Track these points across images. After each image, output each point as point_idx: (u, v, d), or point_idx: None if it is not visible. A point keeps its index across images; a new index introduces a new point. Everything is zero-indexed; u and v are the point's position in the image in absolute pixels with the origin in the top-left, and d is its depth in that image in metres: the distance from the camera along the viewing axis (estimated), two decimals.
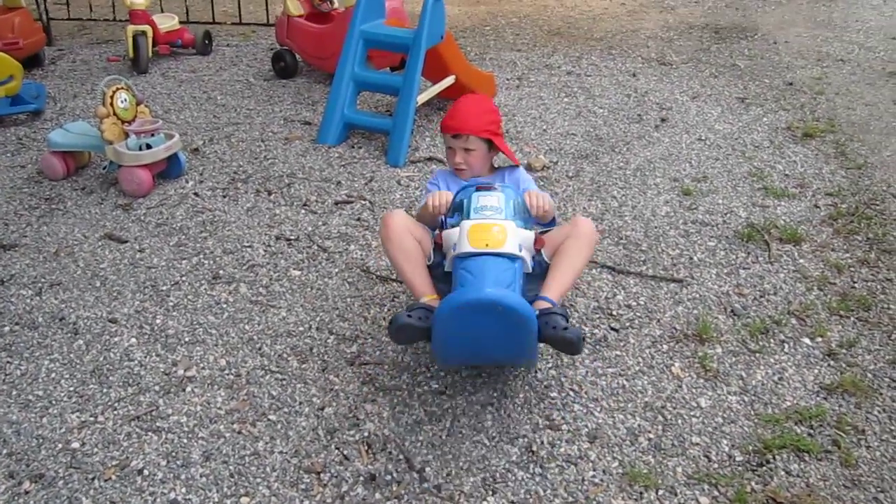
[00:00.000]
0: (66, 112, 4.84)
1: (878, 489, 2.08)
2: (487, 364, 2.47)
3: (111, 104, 3.65)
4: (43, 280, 3.08)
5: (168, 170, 3.89)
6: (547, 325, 2.14)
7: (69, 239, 3.37)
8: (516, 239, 2.19)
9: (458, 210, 2.35)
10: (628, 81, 5.35)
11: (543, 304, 2.24)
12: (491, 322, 2.00)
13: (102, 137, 3.65)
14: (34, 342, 2.72)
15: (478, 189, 2.36)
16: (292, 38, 5.31)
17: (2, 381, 2.54)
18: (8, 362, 2.62)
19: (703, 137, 4.37)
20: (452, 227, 2.30)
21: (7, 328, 2.80)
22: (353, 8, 4.63)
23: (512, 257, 2.18)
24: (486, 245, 2.15)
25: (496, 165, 2.79)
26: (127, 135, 3.72)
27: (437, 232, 2.42)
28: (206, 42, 6.06)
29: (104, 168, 3.86)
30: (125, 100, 3.73)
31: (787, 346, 2.64)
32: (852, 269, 3.08)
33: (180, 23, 6.06)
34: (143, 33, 5.51)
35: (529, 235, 2.28)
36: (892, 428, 2.29)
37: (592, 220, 2.49)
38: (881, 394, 2.42)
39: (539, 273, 2.34)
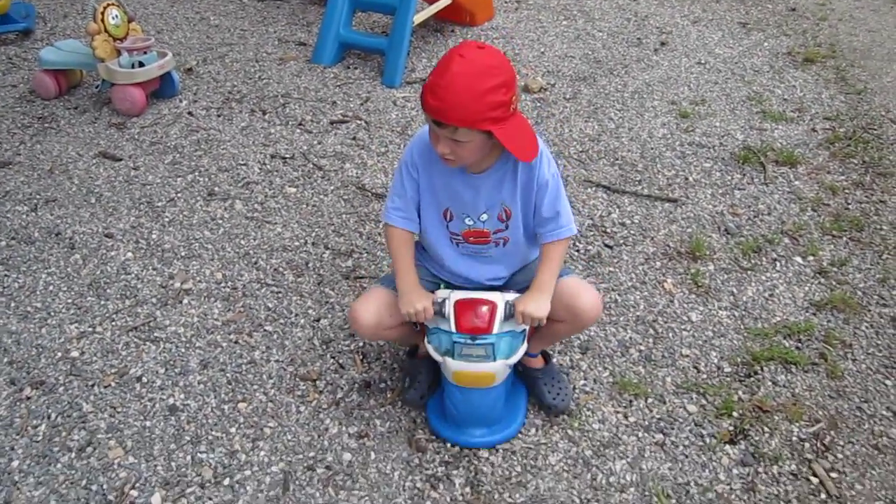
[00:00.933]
0: (57, 32, 4.74)
1: (862, 399, 2.13)
2: None
3: (102, 21, 3.58)
4: (38, 196, 3.07)
5: (161, 89, 3.84)
6: (535, 384, 2.11)
7: (63, 157, 3.35)
8: (506, 372, 1.91)
9: (440, 315, 1.89)
10: (629, 5, 5.24)
11: (532, 363, 2.13)
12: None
13: (94, 55, 3.59)
14: (31, 256, 2.73)
15: (460, 307, 1.87)
16: None
17: (0, 293, 2.56)
18: (5, 275, 2.64)
19: (702, 61, 4.31)
20: (434, 348, 1.91)
21: (3, 243, 2.80)
22: None
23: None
24: (474, 385, 1.89)
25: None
26: (119, 52, 3.65)
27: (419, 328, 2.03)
28: None
29: (97, 87, 3.80)
30: (116, 16, 3.65)
31: (778, 264, 2.67)
32: (847, 190, 3.09)
33: None
34: None
35: (520, 353, 1.91)
36: (879, 343, 2.33)
37: (592, 288, 2.02)
38: (869, 310, 2.46)
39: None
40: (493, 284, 2.01)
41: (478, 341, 1.83)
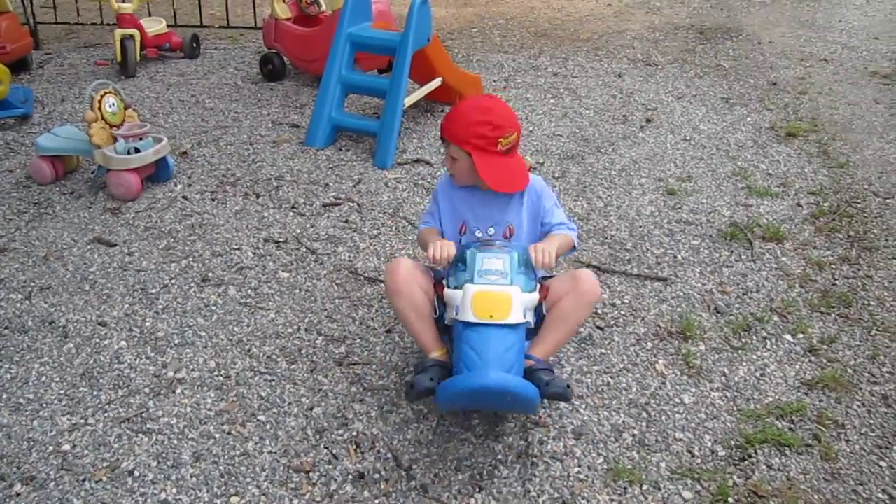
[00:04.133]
0: (55, 116, 4.85)
1: (857, 482, 2.12)
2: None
3: (99, 108, 3.67)
4: (32, 284, 3.09)
5: (157, 173, 3.91)
6: (531, 377, 2.12)
7: (58, 243, 3.38)
8: (521, 305, 2.08)
9: (462, 262, 2.19)
10: (614, 82, 5.39)
11: (528, 363, 2.19)
12: (494, 398, 2.00)
13: (91, 142, 3.67)
14: (24, 346, 2.74)
15: (482, 247, 2.20)
16: (280, 41, 5.33)
17: None
18: None
19: (687, 137, 4.42)
20: (455, 287, 2.15)
21: None
22: (340, 11, 4.67)
23: (516, 326, 2.09)
24: (491, 316, 2.04)
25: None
26: (115, 139, 3.73)
27: (439, 284, 2.30)
28: (194, 45, 6.06)
29: (93, 172, 3.87)
30: (113, 104, 3.75)
31: (769, 342, 2.69)
32: (833, 266, 3.13)
33: (168, 26, 6.06)
34: (131, 37, 5.51)
35: (534, 298, 2.14)
36: (871, 422, 2.33)
37: (593, 274, 2.28)
38: (861, 388, 2.47)
39: (538, 323, 2.25)
40: None
41: (497, 252, 2.15)
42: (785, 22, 6.99)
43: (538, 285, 2.19)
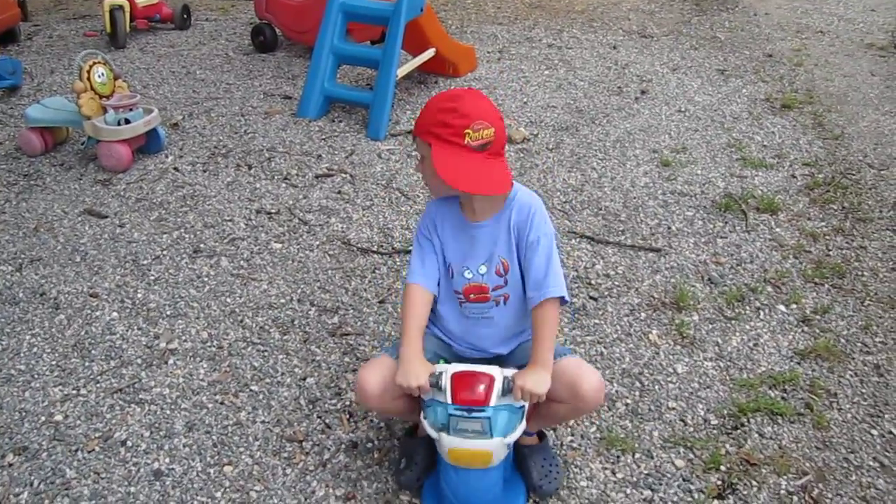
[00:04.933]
0: (44, 88, 4.79)
1: (849, 450, 2.13)
2: None
3: (88, 79, 3.62)
4: (23, 256, 3.06)
5: (147, 145, 3.87)
6: (524, 461, 2.01)
7: (48, 214, 3.35)
8: (503, 451, 1.83)
9: (437, 387, 1.82)
10: (609, 54, 5.35)
11: (528, 440, 2.04)
12: None
13: (80, 112, 3.62)
14: (15, 317, 2.72)
15: (456, 405, 1.79)
16: (272, 11, 5.26)
17: None
18: None
19: (682, 109, 4.39)
20: (431, 426, 1.83)
21: None
22: None
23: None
24: (469, 465, 1.82)
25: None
26: (105, 110, 3.69)
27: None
28: (185, 16, 5.99)
29: (82, 143, 3.83)
30: (102, 74, 3.70)
31: (762, 312, 2.69)
32: (827, 237, 3.13)
33: None
34: (121, 7, 5.44)
35: (518, 432, 1.82)
36: (863, 391, 2.34)
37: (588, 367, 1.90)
38: (853, 358, 2.47)
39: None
40: (497, 353, 2.00)
41: (474, 414, 1.75)
42: None
43: (524, 414, 1.84)
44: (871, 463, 2.09)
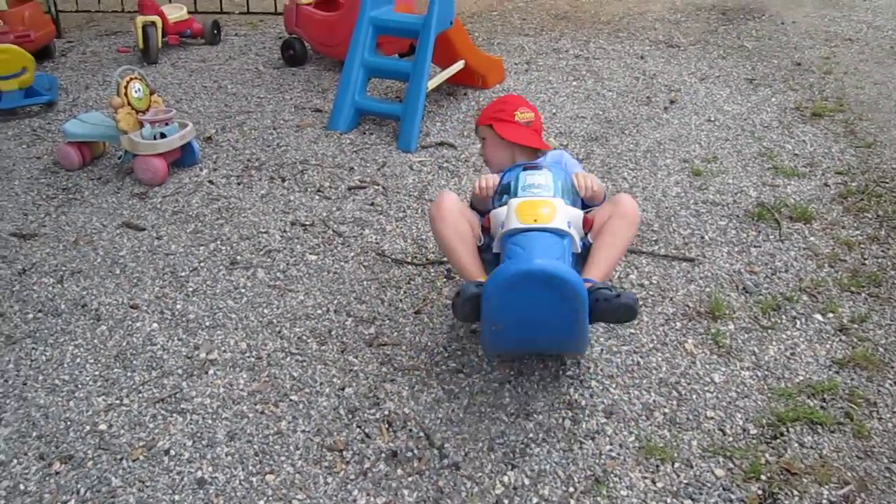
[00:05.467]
0: (79, 103, 4.89)
1: (891, 459, 2.12)
2: (536, 352, 2.46)
3: (125, 94, 3.70)
4: (64, 268, 3.13)
5: (182, 158, 3.94)
6: (597, 302, 2.06)
7: (87, 228, 3.42)
8: (565, 216, 2.14)
9: (506, 192, 2.30)
10: (636, 64, 5.36)
11: (588, 285, 2.12)
12: (542, 296, 1.94)
13: (117, 127, 3.70)
14: (58, 328, 2.78)
15: (525, 168, 2.34)
16: (301, 26, 5.34)
17: (28, 366, 2.59)
18: (33, 348, 2.67)
19: (712, 118, 4.39)
20: (499, 212, 2.25)
21: (31, 315, 2.85)
22: None
23: (561, 233, 2.12)
24: (535, 221, 2.10)
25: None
26: (141, 124, 3.76)
27: (485, 216, 2.38)
28: (215, 32, 6.08)
29: (119, 157, 3.90)
30: (139, 89, 3.77)
31: (798, 322, 2.68)
32: (862, 246, 3.11)
33: (188, 13, 6.08)
34: (153, 24, 5.54)
35: (578, 214, 2.23)
36: None
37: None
38: (892, 367, 2.46)
39: (585, 255, 2.28)
40: None
41: (540, 169, 2.28)
42: (808, 1, 6.90)
43: (583, 212, 2.27)
44: None
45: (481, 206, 2.47)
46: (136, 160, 3.76)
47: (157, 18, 5.58)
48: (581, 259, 2.27)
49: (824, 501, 2.00)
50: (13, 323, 2.81)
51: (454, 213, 2.34)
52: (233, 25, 6.64)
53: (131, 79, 3.74)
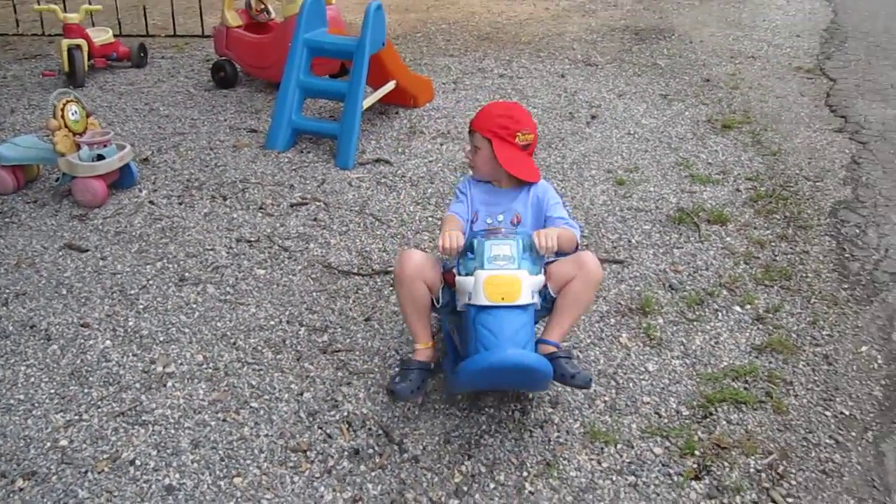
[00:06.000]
0: (6, 128, 4.82)
1: (807, 430, 2.36)
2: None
3: (62, 116, 3.71)
4: (7, 290, 3.12)
5: (120, 180, 3.95)
6: (555, 371, 2.22)
7: (28, 250, 3.41)
8: (529, 287, 2.21)
9: (470, 250, 2.28)
10: (558, 82, 5.63)
11: (549, 349, 2.31)
12: (512, 375, 2.16)
13: (55, 149, 3.70)
14: (7, 350, 2.78)
15: (489, 234, 2.30)
16: (231, 48, 5.40)
17: None
18: None
19: (631, 132, 4.67)
20: (466, 275, 2.26)
21: None
22: (293, 18, 4.78)
23: (526, 306, 2.21)
24: (502, 298, 2.16)
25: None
26: (79, 146, 3.77)
27: (449, 271, 2.42)
28: (142, 55, 6.07)
29: (56, 180, 3.90)
30: (76, 112, 3.78)
31: (720, 314, 2.92)
32: (773, 244, 3.40)
33: (114, 36, 6.05)
34: (79, 47, 5.50)
35: (540, 280, 2.27)
36: (816, 379, 2.59)
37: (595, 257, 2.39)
38: (804, 350, 2.72)
39: (545, 306, 2.38)
40: None
41: (505, 238, 2.25)
42: (713, 22, 7.35)
43: (542, 269, 2.31)
44: (827, 441, 2.32)
45: (447, 258, 2.48)
46: (74, 182, 3.76)
47: (82, 41, 5.54)
48: (542, 308, 2.38)
49: (752, 470, 2.22)
50: None
51: (412, 278, 2.36)
52: (158, 48, 6.63)
53: (67, 101, 3.75)
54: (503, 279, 2.18)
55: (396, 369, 2.44)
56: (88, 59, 5.67)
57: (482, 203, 2.56)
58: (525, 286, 2.18)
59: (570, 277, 2.32)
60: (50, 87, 5.54)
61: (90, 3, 5.78)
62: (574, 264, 2.35)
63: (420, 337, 2.44)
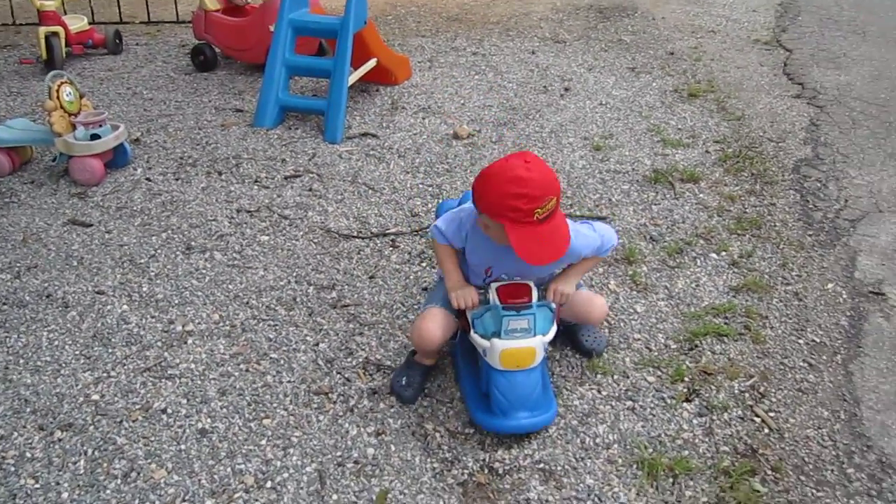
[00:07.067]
0: None
1: (783, 356, 2.61)
2: None
3: (58, 98, 3.80)
4: (18, 264, 3.22)
5: (114, 159, 4.05)
6: (574, 336, 2.56)
7: (32, 227, 3.51)
8: (543, 349, 2.25)
9: (484, 303, 2.29)
10: (529, 58, 5.83)
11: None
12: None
13: (52, 130, 3.80)
14: (27, 317, 2.89)
15: (506, 307, 2.21)
16: (210, 31, 5.49)
17: (5, 353, 2.70)
18: (6, 337, 2.79)
19: (603, 102, 4.89)
20: (482, 336, 2.25)
21: None
22: (272, 0, 4.92)
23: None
24: (518, 366, 2.22)
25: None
26: (74, 126, 3.87)
27: (462, 317, 2.40)
28: (117, 41, 6.12)
29: (53, 160, 3.99)
30: (70, 93, 3.88)
31: (698, 260, 3.16)
32: (743, 198, 3.65)
33: (88, 23, 6.09)
34: (56, 34, 5.54)
35: (552, 333, 2.29)
36: (788, 312, 2.84)
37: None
38: (776, 289, 2.97)
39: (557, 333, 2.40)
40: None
41: (522, 312, 2.19)
42: (674, 0, 7.62)
43: (555, 317, 2.32)
44: (801, 364, 2.58)
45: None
46: (71, 161, 3.86)
47: (59, 29, 5.59)
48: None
49: (736, 391, 2.46)
50: None
51: (431, 343, 2.37)
52: (132, 35, 6.67)
53: (62, 83, 3.84)
54: (520, 351, 2.20)
55: (400, 364, 2.55)
56: (65, 47, 5.71)
57: (496, 261, 2.29)
58: (540, 352, 2.23)
59: (573, 318, 2.51)
60: (28, 74, 5.59)
61: None
62: (585, 306, 2.45)
63: (425, 358, 2.52)
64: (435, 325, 2.35)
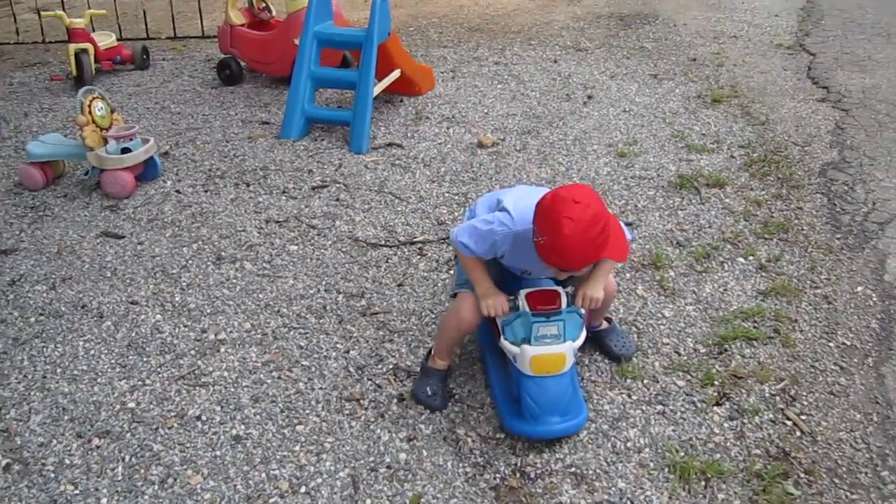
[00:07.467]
0: (23, 129, 4.97)
1: (814, 360, 2.61)
2: None
3: (90, 113, 3.88)
4: (53, 276, 3.29)
5: (144, 172, 4.13)
6: (602, 343, 2.62)
7: (66, 240, 3.58)
8: (573, 354, 2.27)
9: (514, 308, 2.30)
10: (551, 67, 5.85)
11: (601, 326, 2.66)
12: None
13: (84, 144, 3.88)
14: (63, 328, 2.96)
15: (535, 314, 2.24)
16: (236, 46, 5.58)
17: (43, 362, 2.77)
18: (43, 347, 2.85)
19: (627, 109, 4.90)
20: (512, 342, 2.27)
21: (32, 319, 3.01)
22: (295, 14, 4.99)
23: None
24: (548, 371, 2.23)
25: None
26: (106, 140, 3.95)
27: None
28: (145, 57, 6.23)
29: (85, 174, 4.07)
30: (101, 108, 3.96)
31: (726, 265, 3.16)
32: (769, 202, 3.64)
33: (116, 40, 6.21)
34: (85, 51, 5.65)
35: (582, 338, 2.30)
36: (817, 316, 2.83)
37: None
38: (805, 292, 2.96)
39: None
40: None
41: (552, 319, 2.22)
42: (695, 6, 7.61)
43: (583, 323, 2.34)
44: (832, 367, 2.57)
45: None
46: (103, 175, 3.94)
47: (88, 45, 5.70)
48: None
49: (767, 395, 2.45)
50: (17, 327, 2.97)
51: (469, 326, 2.43)
52: (158, 51, 6.78)
53: (94, 98, 3.93)
54: (550, 357, 2.23)
55: (417, 375, 2.57)
56: (94, 63, 5.82)
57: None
58: (570, 358, 2.25)
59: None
60: (58, 91, 5.70)
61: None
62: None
63: (444, 355, 2.52)
64: (470, 308, 2.38)
